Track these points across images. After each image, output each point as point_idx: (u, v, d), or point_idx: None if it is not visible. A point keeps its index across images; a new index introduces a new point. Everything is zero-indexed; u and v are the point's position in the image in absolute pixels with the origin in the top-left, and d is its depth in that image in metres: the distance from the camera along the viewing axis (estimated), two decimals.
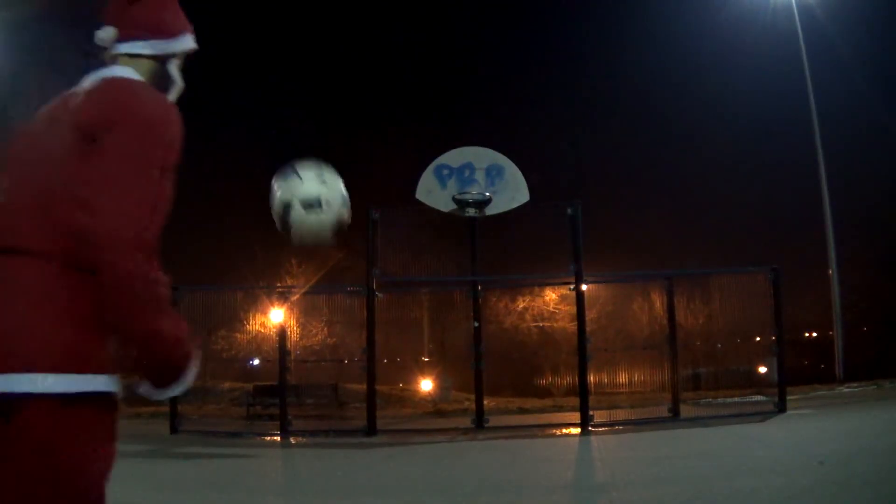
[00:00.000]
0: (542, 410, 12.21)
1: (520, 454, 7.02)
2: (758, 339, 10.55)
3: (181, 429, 9.27)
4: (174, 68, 1.57)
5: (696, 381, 11.62)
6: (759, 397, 9.98)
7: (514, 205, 9.37)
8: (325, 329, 11.34)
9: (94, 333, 1.21)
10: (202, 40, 1.63)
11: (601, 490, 4.72)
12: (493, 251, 9.83)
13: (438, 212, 9.34)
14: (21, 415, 1.12)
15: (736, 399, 10.40)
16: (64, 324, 1.18)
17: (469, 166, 9.40)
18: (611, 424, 8.95)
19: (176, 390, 1.35)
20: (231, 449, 7.81)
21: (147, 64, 1.51)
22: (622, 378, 11.72)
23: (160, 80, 1.54)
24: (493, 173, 9.39)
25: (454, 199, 9.26)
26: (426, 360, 16.49)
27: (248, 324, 15.11)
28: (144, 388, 1.33)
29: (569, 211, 9.00)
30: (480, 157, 9.50)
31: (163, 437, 8.93)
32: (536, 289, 15.95)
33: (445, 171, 9.40)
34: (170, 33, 1.57)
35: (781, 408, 8.90)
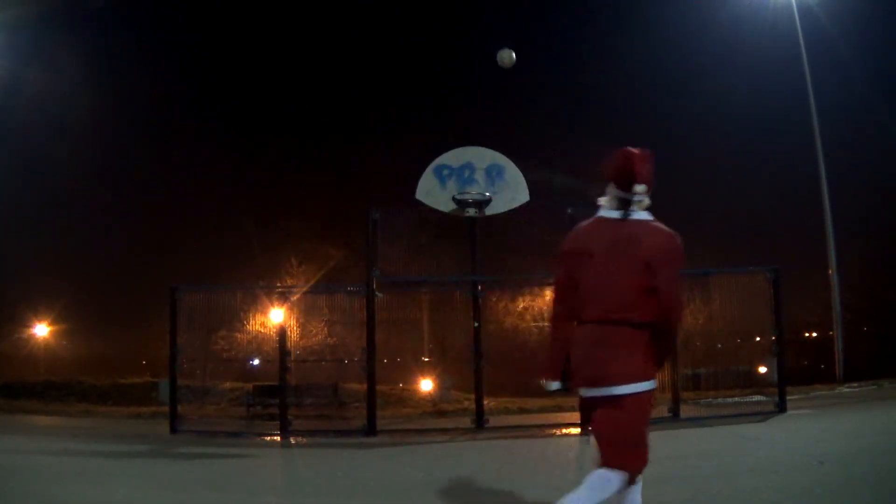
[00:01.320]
0: (542, 410, 12.21)
1: (520, 454, 7.02)
2: (758, 339, 10.54)
3: (181, 429, 9.26)
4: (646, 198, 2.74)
5: (696, 381, 11.57)
6: (759, 397, 9.97)
7: (515, 205, 9.37)
8: (325, 329, 11.30)
9: (651, 360, 2.67)
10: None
11: None
12: (493, 251, 9.82)
13: (438, 212, 9.34)
14: (630, 399, 2.61)
15: (736, 399, 10.38)
16: (641, 356, 2.62)
17: (469, 166, 9.41)
18: None
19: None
20: (231, 449, 7.81)
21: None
22: None
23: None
24: (493, 173, 9.40)
25: (454, 199, 9.27)
26: (426, 360, 16.45)
27: (248, 324, 15.06)
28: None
29: (569, 211, 8.99)
30: (480, 157, 9.51)
31: (163, 437, 8.93)
32: (536, 289, 15.89)
33: (445, 171, 9.40)
34: None
35: (781, 408, 8.90)
